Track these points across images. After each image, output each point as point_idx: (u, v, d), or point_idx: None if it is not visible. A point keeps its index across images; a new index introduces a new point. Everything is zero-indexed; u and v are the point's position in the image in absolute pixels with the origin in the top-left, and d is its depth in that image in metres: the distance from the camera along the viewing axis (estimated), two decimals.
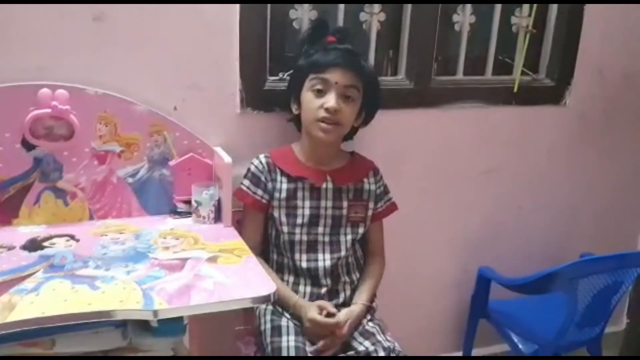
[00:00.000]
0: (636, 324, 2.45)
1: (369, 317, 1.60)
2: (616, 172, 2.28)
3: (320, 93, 1.51)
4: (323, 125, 1.51)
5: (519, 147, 2.10)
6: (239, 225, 1.62)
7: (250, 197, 1.58)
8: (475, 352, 2.15)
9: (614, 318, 2.22)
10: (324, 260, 1.59)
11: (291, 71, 1.64)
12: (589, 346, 1.96)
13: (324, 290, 1.58)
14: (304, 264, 1.58)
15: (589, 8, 2.00)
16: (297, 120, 1.62)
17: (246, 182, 1.59)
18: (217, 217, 1.60)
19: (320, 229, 1.59)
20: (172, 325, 1.35)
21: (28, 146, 1.48)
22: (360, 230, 1.64)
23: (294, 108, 1.59)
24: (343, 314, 1.52)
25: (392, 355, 1.47)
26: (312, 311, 1.50)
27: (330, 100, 1.49)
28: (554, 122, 2.11)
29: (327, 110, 1.49)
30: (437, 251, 2.11)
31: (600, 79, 2.12)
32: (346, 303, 1.59)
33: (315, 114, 1.51)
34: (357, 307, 1.57)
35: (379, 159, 1.71)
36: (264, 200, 1.58)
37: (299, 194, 1.58)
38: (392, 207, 1.72)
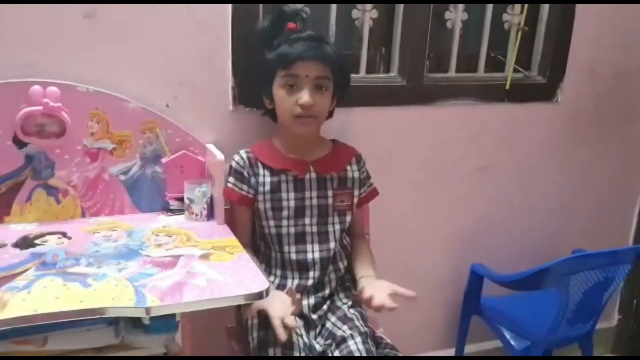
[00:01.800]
0: (628, 321, 2.47)
1: (350, 303, 1.59)
2: (607, 169, 2.29)
3: (292, 88, 1.49)
4: (302, 120, 1.50)
5: (511, 144, 2.10)
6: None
7: (237, 194, 1.57)
8: (467, 349, 2.16)
9: (606, 314, 2.24)
10: (313, 252, 1.58)
11: (259, 65, 1.56)
12: (580, 342, 1.97)
13: (310, 282, 1.57)
14: (293, 256, 1.57)
15: (580, 6, 2.00)
16: (272, 113, 1.60)
17: (231, 179, 1.58)
18: (210, 215, 1.60)
19: (307, 220, 1.58)
20: (164, 323, 1.35)
21: (19, 143, 1.48)
22: (348, 219, 1.63)
23: (267, 102, 1.57)
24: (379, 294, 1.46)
25: (368, 340, 1.46)
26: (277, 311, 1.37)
27: (304, 95, 1.47)
28: (545, 119, 2.12)
29: (301, 106, 1.48)
30: (429, 248, 2.12)
31: (592, 77, 2.13)
32: (332, 294, 1.59)
33: (292, 111, 1.49)
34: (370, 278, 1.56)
35: (372, 156, 1.71)
36: (250, 195, 1.57)
37: (283, 186, 1.57)
38: (374, 193, 1.71)
